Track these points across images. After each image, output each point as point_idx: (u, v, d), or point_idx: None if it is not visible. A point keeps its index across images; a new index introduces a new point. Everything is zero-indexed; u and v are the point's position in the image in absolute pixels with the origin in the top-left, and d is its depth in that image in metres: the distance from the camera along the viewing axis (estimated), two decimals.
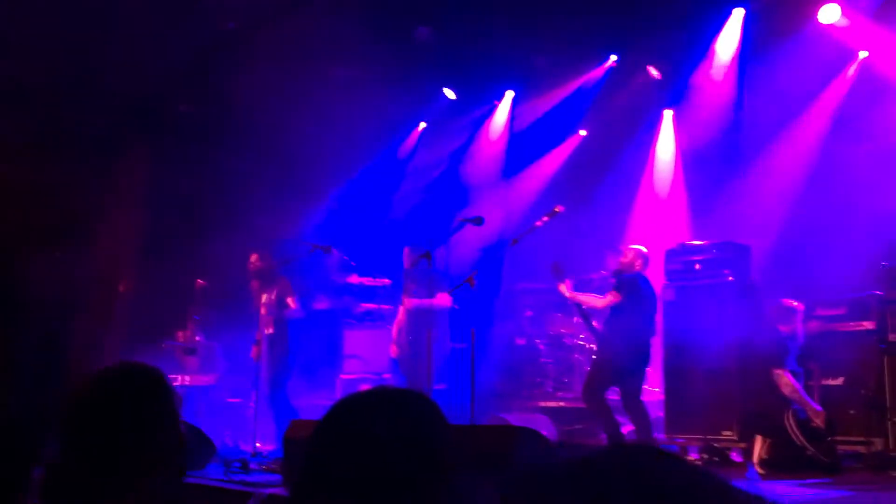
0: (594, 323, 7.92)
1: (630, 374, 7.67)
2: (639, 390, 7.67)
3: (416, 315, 7.99)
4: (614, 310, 7.69)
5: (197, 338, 9.29)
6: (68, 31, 8.50)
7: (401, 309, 8.69)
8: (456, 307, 8.86)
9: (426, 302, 7.30)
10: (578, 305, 7.88)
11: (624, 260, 7.89)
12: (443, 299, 8.04)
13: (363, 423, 1.62)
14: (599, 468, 1.04)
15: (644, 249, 7.97)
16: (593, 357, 8.10)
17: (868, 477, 6.76)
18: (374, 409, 1.65)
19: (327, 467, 1.59)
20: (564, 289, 7.74)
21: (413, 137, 12.12)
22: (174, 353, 9.19)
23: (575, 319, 8.12)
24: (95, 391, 2.12)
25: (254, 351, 8.70)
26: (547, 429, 8.19)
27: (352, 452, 1.59)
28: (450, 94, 11.40)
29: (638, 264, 7.83)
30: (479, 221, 6.89)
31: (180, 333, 9.26)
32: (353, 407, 1.67)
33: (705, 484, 0.99)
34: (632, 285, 7.69)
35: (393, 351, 8.64)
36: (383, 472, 1.57)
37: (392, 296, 10.33)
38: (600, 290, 8.18)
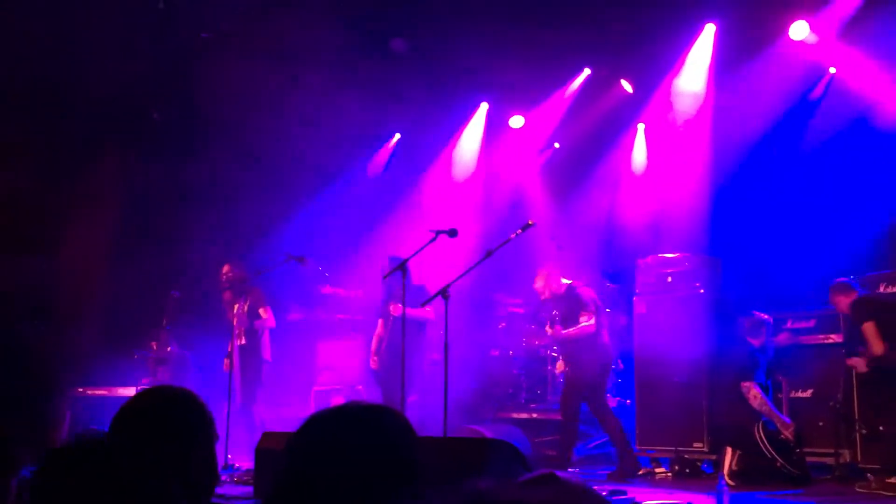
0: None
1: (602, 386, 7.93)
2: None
3: (396, 326, 8.03)
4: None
5: (169, 348, 9.23)
6: (42, 35, 8.45)
7: (380, 322, 8.69)
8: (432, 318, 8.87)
9: (413, 312, 7.34)
10: None
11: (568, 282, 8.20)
12: (424, 313, 8.10)
13: (334, 437, 1.65)
14: None
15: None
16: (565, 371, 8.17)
17: (836, 488, 6.83)
18: (346, 424, 1.68)
19: (299, 481, 1.61)
20: (551, 331, 7.98)
21: (388, 148, 12.13)
22: (146, 363, 9.11)
23: (547, 329, 8.21)
24: (152, 406, 2.16)
25: (225, 363, 8.66)
26: (520, 440, 8.21)
27: (323, 466, 1.61)
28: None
29: (584, 279, 8.18)
30: (453, 233, 6.91)
31: (154, 343, 9.20)
32: (325, 422, 1.70)
33: None
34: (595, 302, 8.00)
35: (373, 363, 8.61)
36: (354, 485, 1.60)
37: (365, 307, 10.31)
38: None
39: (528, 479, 1.39)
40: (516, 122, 11.61)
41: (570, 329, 8.00)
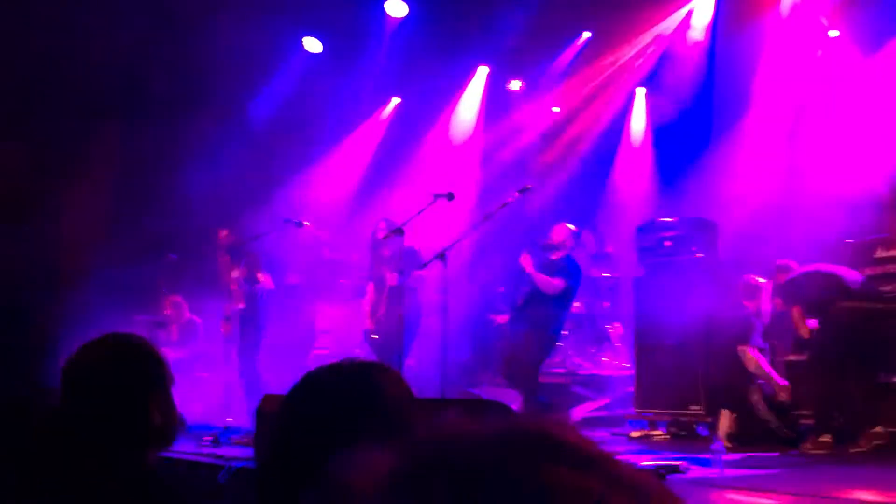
0: None
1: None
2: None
3: (391, 292, 8.02)
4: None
5: (187, 313, 9.28)
6: (35, 5, 8.39)
7: (371, 286, 8.68)
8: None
9: (405, 281, 7.31)
10: None
11: (556, 239, 7.95)
12: (418, 278, 8.09)
13: (328, 396, 1.63)
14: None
15: (573, 228, 8.05)
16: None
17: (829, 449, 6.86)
18: (340, 383, 1.66)
19: (293, 441, 1.60)
20: (525, 262, 7.77)
21: (387, 112, 12.08)
22: (145, 328, 9.14)
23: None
24: (97, 356, 2.14)
25: (223, 326, 8.69)
26: (516, 403, 8.25)
27: (317, 426, 1.60)
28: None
29: (569, 244, 7.94)
30: (450, 197, 6.90)
31: (168, 305, 9.26)
32: (319, 381, 1.68)
33: None
34: (568, 268, 7.84)
35: (368, 324, 8.61)
36: (348, 445, 1.58)
37: (363, 271, 10.32)
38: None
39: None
40: (514, 85, 11.55)
41: (542, 276, 7.88)
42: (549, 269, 7.82)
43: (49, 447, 2.05)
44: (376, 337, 8.53)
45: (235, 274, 8.60)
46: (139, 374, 2.13)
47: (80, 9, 8.44)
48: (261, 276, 8.75)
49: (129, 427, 2.09)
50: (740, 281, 7.73)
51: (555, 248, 7.89)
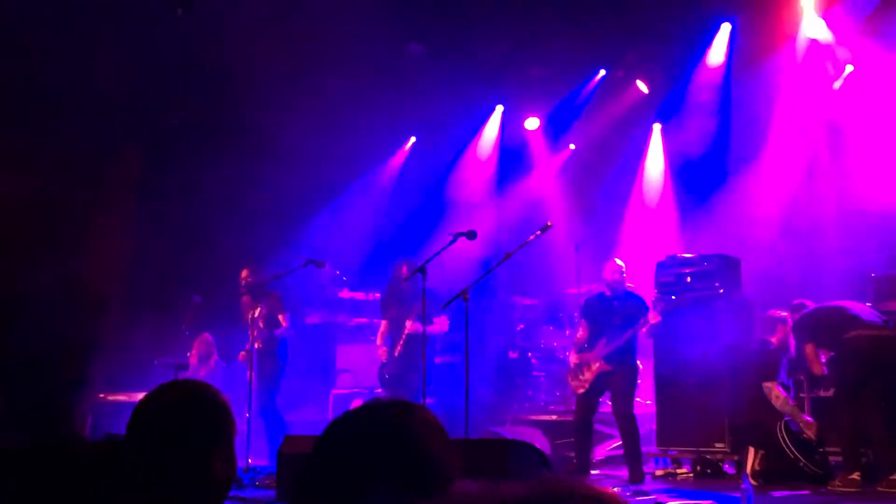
0: None
1: None
2: None
3: (413, 338, 8.05)
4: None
5: (214, 354, 9.31)
6: (61, 38, 8.52)
7: (384, 322, 8.74)
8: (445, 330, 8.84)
9: (430, 327, 7.33)
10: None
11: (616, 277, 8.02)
12: (442, 325, 8.13)
13: (361, 438, 1.60)
14: None
15: (621, 263, 8.12)
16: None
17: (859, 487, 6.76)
18: (372, 425, 1.63)
19: (326, 482, 1.58)
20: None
21: (404, 151, 12.15)
22: (166, 370, 9.15)
23: (568, 332, 8.12)
24: (169, 401, 2.12)
25: (241, 356, 8.70)
26: (539, 442, 8.19)
27: (350, 469, 1.57)
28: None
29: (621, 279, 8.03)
30: (472, 235, 6.92)
31: (203, 349, 9.28)
32: (352, 423, 1.65)
33: None
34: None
35: (382, 354, 8.61)
36: (382, 488, 1.55)
37: None
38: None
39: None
40: (531, 123, 11.61)
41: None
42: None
43: (106, 494, 2.03)
44: (387, 376, 8.53)
45: (255, 314, 8.62)
46: (210, 424, 2.11)
47: (100, 35, 8.55)
48: (282, 318, 8.76)
49: (194, 477, 2.07)
50: (764, 316, 7.69)
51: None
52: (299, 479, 1.65)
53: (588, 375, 7.86)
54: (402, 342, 8.38)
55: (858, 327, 6.84)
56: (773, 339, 7.57)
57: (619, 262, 8.10)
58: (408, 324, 8.28)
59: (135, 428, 2.10)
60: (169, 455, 2.05)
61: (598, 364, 7.79)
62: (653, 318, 7.81)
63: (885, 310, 7.28)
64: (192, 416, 2.09)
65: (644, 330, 7.88)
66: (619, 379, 7.77)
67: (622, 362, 7.78)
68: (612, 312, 7.95)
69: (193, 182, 10.04)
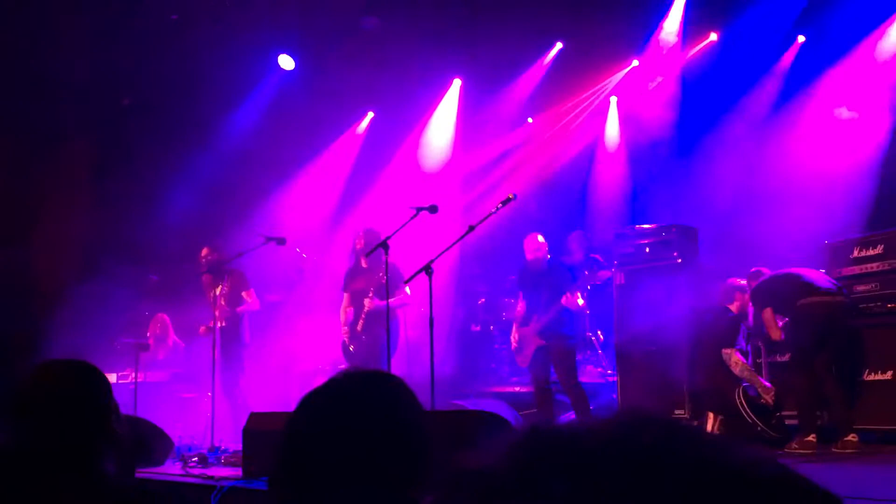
0: None
1: None
2: None
3: (375, 313, 8.01)
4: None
5: (172, 333, 9.21)
6: (13, 22, 8.33)
7: (346, 295, 8.66)
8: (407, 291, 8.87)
9: (386, 303, 7.27)
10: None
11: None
12: (402, 297, 8.08)
13: (339, 409, 1.60)
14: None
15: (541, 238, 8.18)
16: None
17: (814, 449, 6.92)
18: (350, 395, 1.62)
19: (304, 460, 1.57)
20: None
21: (363, 126, 12.09)
22: (128, 350, 9.05)
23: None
24: (39, 383, 2.11)
25: (202, 329, 8.65)
26: (506, 413, 8.26)
27: (330, 440, 1.56)
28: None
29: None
30: (433, 209, 6.91)
31: (158, 330, 9.19)
32: (328, 394, 1.64)
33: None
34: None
35: (345, 333, 8.57)
36: (362, 458, 1.54)
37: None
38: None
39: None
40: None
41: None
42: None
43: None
44: (352, 349, 8.51)
45: (217, 292, 8.56)
46: (94, 397, 2.13)
47: (50, 23, 8.38)
48: (246, 296, 8.71)
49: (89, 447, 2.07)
50: (724, 284, 7.81)
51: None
52: (277, 455, 1.63)
53: (527, 351, 8.00)
54: (362, 318, 8.37)
55: (813, 294, 7.00)
56: (733, 307, 7.70)
57: (539, 238, 8.11)
58: (366, 301, 8.25)
59: (17, 412, 2.09)
60: (59, 434, 2.05)
61: (533, 339, 7.92)
62: (597, 279, 7.89)
63: (838, 276, 7.44)
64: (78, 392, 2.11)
65: (574, 298, 7.80)
66: (555, 352, 7.88)
67: (555, 335, 7.86)
68: (539, 286, 8.03)
69: (150, 161, 9.91)
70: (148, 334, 9.71)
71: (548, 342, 7.86)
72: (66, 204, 9.48)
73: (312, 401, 1.65)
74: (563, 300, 7.75)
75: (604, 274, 8.40)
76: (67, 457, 2.04)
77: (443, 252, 6.84)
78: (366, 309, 8.26)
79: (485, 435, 4.75)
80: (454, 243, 7.02)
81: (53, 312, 9.09)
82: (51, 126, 9.27)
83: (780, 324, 7.35)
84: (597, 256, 10.02)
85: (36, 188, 9.38)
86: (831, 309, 6.98)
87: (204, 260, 8.81)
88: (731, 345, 7.52)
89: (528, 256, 8.10)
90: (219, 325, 8.50)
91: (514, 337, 8.23)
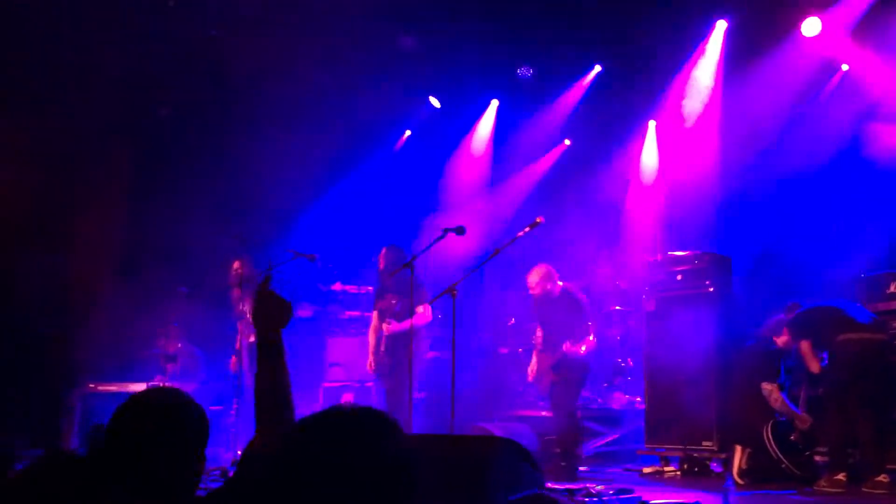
0: None
1: None
2: None
3: (396, 335, 7.97)
4: None
5: (179, 344, 9.26)
6: (51, 30, 8.48)
7: (374, 314, 8.63)
8: (439, 315, 8.85)
9: (407, 323, 7.23)
10: None
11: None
12: (424, 316, 8.00)
13: (319, 450, 1.59)
14: None
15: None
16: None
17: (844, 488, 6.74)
18: (330, 436, 1.61)
19: (285, 496, 1.56)
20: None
21: (398, 146, 12.13)
22: (156, 360, 9.14)
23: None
24: (137, 410, 2.14)
25: (233, 361, 8.68)
26: (527, 438, 8.19)
27: (308, 482, 1.54)
28: (435, 102, 11.43)
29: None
30: (461, 231, 6.89)
31: (162, 340, 9.23)
32: (308, 433, 1.63)
33: None
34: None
35: (370, 364, 8.51)
36: (343, 494, 1.53)
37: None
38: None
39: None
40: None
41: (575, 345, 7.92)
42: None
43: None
44: (376, 370, 8.46)
45: (246, 307, 8.60)
46: (188, 428, 2.15)
47: (88, 30, 8.52)
48: None
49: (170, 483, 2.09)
50: (773, 318, 7.67)
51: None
52: (257, 486, 1.62)
53: (545, 381, 8.05)
54: (384, 340, 8.29)
55: (851, 329, 6.84)
56: (778, 341, 7.55)
57: (535, 275, 8.03)
58: (384, 327, 8.19)
59: (114, 429, 2.11)
60: (131, 469, 2.05)
61: (549, 373, 7.98)
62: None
63: (874, 311, 7.28)
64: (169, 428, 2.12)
65: (576, 347, 7.81)
66: (561, 380, 7.94)
67: (568, 370, 7.88)
68: (552, 319, 8.04)
69: (184, 172, 10.02)
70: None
71: (560, 377, 7.90)
72: (102, 214, 9.62)
73: (292, 440, 1.64)
74: (565, 347, 7.75)
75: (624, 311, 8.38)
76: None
77: (468, 274, 6.83)
78: (384, 333, 8.20)
79: (498, 460, 4.70)
80: (480, 265, 7.00)
81: (87, 319, 9.21)
82: (89, 135, 9.40)
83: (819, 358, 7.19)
84: (622, 284, 9.94)
85: (74, 197, 9.52)
86: (871, 346, 6.82)
87: (235, 273, 8.87)
88: (774, 379, 7.38)
89: (531, 292, 8.06)
90: (247, 340, 8.54)
91: (531, 368, 8.24)
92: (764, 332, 7.68)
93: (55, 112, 8.99)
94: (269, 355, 2.38)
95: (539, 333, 8.23)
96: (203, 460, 2.18)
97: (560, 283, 8.08)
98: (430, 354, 8.90)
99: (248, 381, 8.49)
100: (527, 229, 6.89)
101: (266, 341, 2.39)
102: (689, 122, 10.32)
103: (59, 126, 8.98)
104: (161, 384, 8.94)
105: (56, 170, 9.17)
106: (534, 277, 8.05)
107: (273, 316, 2.38)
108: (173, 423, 2.13)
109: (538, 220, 6.90)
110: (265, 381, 2.36)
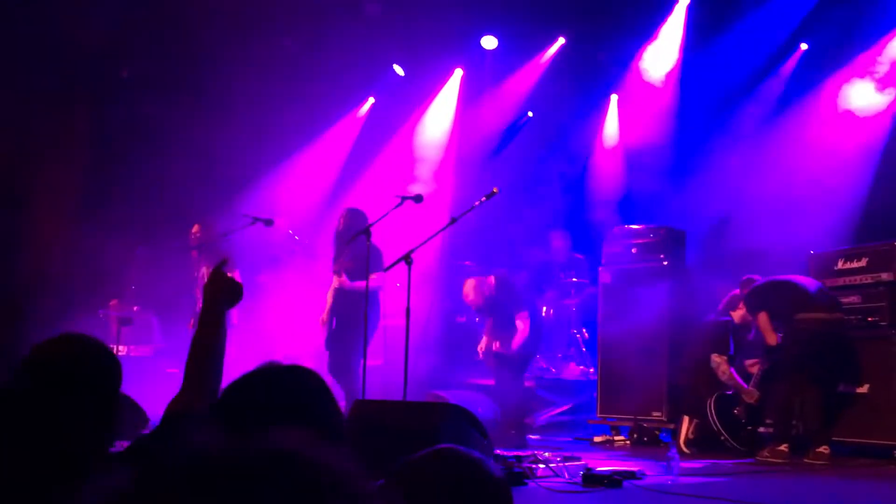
0: None
1: None
2: None
3: (347, 294, 7.89)
4: None
5: (134, 307, 9.21)
6: None
7: (335, 278, 8.58)
8: (397, 284, 8.88)
9: (361, 284, 7.22)
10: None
11: None
12: (377, 279, 7.95)
13: (249, 400, 1.69)
14: None
15: None
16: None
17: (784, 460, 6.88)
18: (260, 387, 1.73)
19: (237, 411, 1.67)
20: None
21: (361, 112, 12.08)
22: (109, 323, 9.09)
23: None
24: (42, 359, 2.14)
25: (192, 322, 8.65)
26: (484, 406, 8.27)
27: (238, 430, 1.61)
28: (399, 70, 11.38)
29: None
30: (418, 199, 6.94)
31: (115, 301, 9.18)
32: (239, 387, 1.74)
33: None
34: None
35: (322, 318, 8.45)
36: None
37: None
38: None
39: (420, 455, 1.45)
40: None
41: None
42: None
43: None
44: (327, 335, 8.39)
45: (204, 271, 8.57)
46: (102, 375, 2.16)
47: None
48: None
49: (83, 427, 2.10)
50: (730, 294, 7.77)
51: None
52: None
53: (492, 363, 8.45)
54: (332, 296, 8.19)
55: (809, 308, 6.93)
56: (735, 315, 7.66)
57: (468, 285, 8.35)
58: (335, 279, 8.10)
59: (30, 374, 2.12)
60: (63, 405, 2.07)
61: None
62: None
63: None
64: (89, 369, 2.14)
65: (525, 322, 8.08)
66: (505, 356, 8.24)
67: (507, 363, 8.24)
68: (493, 314, 8.39)
69: (145, 135, 9.90)
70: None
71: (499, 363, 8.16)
72: (60, 171, 9.49)
73: (229, 393, 1.76)
74: (495, 348, 8.16)
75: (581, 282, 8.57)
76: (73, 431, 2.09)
77: (423, 242, 6.85)
78: (334, 286, 8.10)
79: (446, 426, 4.77)
80: (435, 234, 7.03)
81: (41, 279, 9.12)
82: (49, 91, 9.24)
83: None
84: (579, 256, 10.04)
85: (31, 155, 9.38)
86: (826, 327, 6.93)
87: (193, 237, 8.81)
88: (724, 352, 7.51)
89: (471, 306, 8.62)
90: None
91: (480, 347, 8.48)
92: (721, 308, 7.80)
93: (12, 65, 8.82)
94: (210, 324, 2.43)
95: (488, 323, 8.48)
96: (115, 413, 2.18)
97: (492, 280, 8.22)
98: (381, 322, 8.91)
99: None
100: (483, 199, 6.93)
101: (211, 315, 2.45)
102: (651, 93, 10.39)
103: (16, 80, 8.81)
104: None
105: (12, 126, 9.03)
106: (468, 293, 8.32)
107: (222, 299, 2.45)
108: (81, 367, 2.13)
109: (494, 190, 6.93)
110: (200, 346, 2.41)
